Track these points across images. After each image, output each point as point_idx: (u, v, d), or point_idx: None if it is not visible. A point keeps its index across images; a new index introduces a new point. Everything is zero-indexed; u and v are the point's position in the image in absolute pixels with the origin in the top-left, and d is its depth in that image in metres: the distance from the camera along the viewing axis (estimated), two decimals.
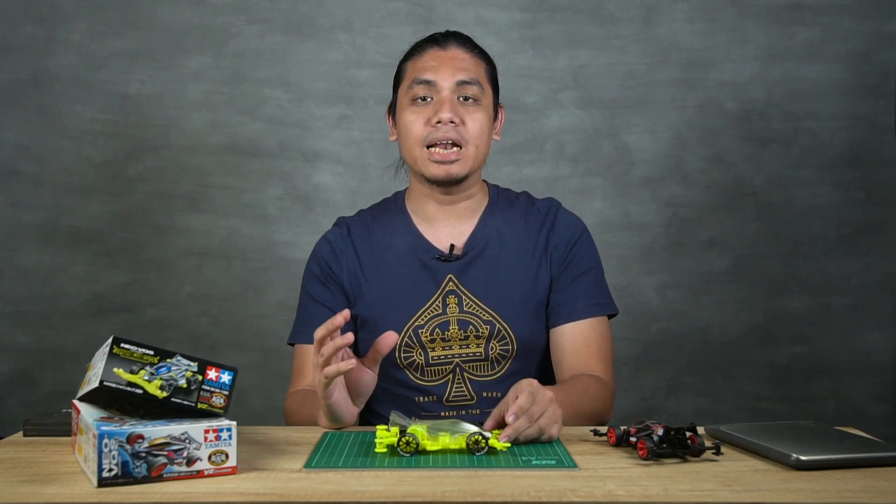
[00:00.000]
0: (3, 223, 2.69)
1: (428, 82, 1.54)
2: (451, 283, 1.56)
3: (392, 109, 1.63)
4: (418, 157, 1.55)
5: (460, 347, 1.54)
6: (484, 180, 1.67)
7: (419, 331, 1.54)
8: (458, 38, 1.60)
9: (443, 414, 1.54)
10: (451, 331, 1.54)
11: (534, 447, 1.23)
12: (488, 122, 1.57)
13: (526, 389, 1.25)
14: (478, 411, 1.55)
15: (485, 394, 1.55)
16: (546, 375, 1.61)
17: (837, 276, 2.73)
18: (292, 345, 1.64)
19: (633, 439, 1.20)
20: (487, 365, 1.55)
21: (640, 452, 1.16)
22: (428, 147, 1.54)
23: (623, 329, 2.64)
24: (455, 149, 1.53)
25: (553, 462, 1.14)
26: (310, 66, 2.72)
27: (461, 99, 1.54)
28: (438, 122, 1.52)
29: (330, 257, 1.62)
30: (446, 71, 1.54)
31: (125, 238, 2.70)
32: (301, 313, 1.64)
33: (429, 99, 1.54)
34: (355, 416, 1.38)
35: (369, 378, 1.37)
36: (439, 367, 1.55)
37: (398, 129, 1.60)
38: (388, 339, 1.32)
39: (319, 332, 1.28)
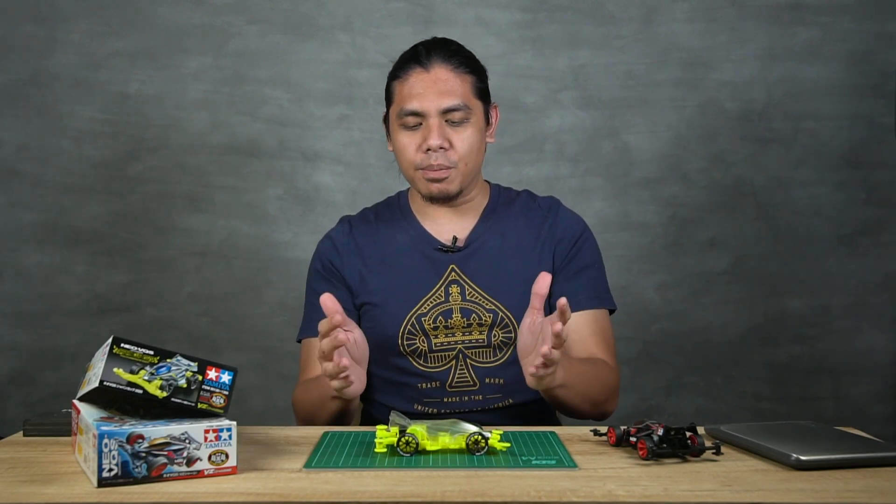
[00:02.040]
0: (3, 223, 2.69)
1: (415, 113, 1.56)
2: (453, 273, 1.59)
3: (387, 119, 1.65)
4: (413, 177, 1.60)
5: (463, 334, 1.56)
6: (486, 180, 1.70)
7: (422, 319, 1.56)
8: (441, 53, 1.59)
9: (445, 399, 1.56)
10: (454, 318, 1.56)
11: (534, 447, 1.23)
12: (479, 134, 1.59)
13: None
14: (480, 397, 1.56)
15: (487, 380, 1.57)
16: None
17: (837, 276, 2.73)
18: (300, 342, 1.67)
19: (633, 439, 1.20)
20: (490, 351, 1.57)
21: (640, 452, 1.16)
22: (421, 169, 1.58)
23: (623, 329, 2.64)
24: (445, 170, 1.56)
25: (553, 462, 1.14)
26: (310, 66, 2.72)
27: (449, 121, 1.56)
28: (428, 148, 1.55)
29: (332, 254, 1.65)
30: (431, 97, 1.55)
31: (125, 238, 2.70)
32: (307, 310, 1.66)
33: (417, 126, 1.57)
34: (360, 390, 1.40)
35: (361, 339, 1.40)
36: (442, 354, 1.57)
37: (393, 146, 1.63)
38: (328, 300, 1.31)
39: (322, 327, 1.30)
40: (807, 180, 2.73)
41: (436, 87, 1.56)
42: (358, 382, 1.37)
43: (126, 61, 2.70)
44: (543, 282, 1.31)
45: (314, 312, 1.62)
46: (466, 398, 1.56)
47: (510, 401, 1.56)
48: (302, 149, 2.73)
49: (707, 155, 2.74)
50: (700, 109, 2.73)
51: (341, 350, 1.30)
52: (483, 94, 1.62)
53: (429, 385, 1.57)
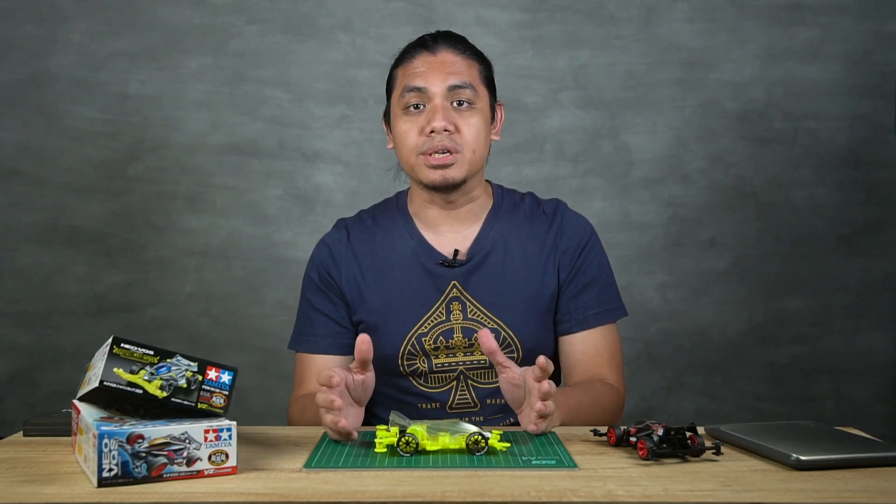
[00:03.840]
0: (3, 223, 2.69)
1: (419, 89, 1.50)
2: (454, 290, 1.54)
3: (387, 116, 1.60)
4: (415, 165, 1.52)
5: (464, 355, 1.53)
6: (488, 181, 1.64)
7: (422, 339, 1.53)
8: (449, 40, 1.55)
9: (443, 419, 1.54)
10: (456, 338, 1.53)
11: (534, 447, 1.23)
12: (484, 124, 1.53)
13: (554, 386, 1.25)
14: (481, 418, 1.54)
15: (489, 401, 1.54)
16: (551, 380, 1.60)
17: (837, 276, 2.73)
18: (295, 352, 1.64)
19: (633, 439, 1.20)
20: (492, 372, 1.53)
21: (640, 452, 1.15)
22: (423, 154, 1.50)
23: (623, 329, 2.59)
24: (451, 154, 1.49)
25: (553, 462, 1.14)
26: (310, 66, 2.72)
27: (454, 104, 1.50)
28: (432, 131, 1.48)
29: (329, 264, 1.59)
30: (437, 76, 1.50)
31: (125, 238, 2.70)
32: (302, 321, 1.62)
33: (421, 107, 1.51)
34: (357, 431, 1.35)
35: (369, 381, 1.33)
36: (443, 375, 1.54)
37: (394, 137, 1.56)
38: (364, 344, 1.26)
39: (322, 380, 1.24)
40: (807, 180, 2.73)
41: (442, 68, 1.51)
42: (355, 424, 1.30)
43: (126, 61, 2.70)
44: (487, 339, 1.26)
45: (309, 325, 1.59)
46: (467, 419, 1.52)
47: (511, 420, 1.52)
48: (302, 149, 2.73)
49: (707, 155, 2.74)
50: (700, 109, 2.73)
51: (341, 414, 1.23)
52: (489, 83, 1.57)
53: (429, 405, 1.55)
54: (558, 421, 1.33)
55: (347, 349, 1.58)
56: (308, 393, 1.54)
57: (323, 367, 1.55)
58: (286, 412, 1.62)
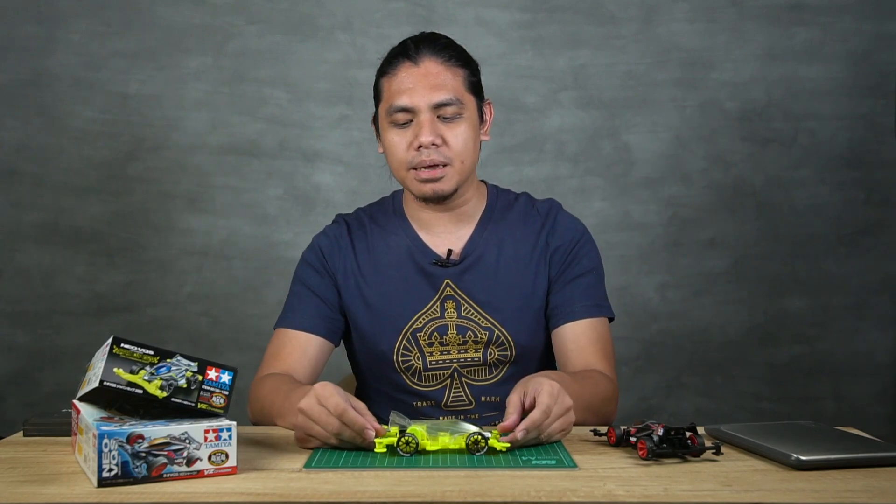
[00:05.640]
0: (3, 223, 2.69)
1: (405, 109, 1.50)
2: (448, 288, 1.55)
3: (376, 120, 1.60)
4: (405, 178, 1.53)
5: (458, 352, 1.54)
6: (483, 181, 1.65)
7: (417, 333, 1.54)
8: (431, 47, 1.53)
9: (441, 418, 1.53)
10: (450, 335, 1.53)
11: (534, 447, 1.22)
12: (472, 131, 1.52)
13: (545, 402, 1.20)
14: (476, 416, 1.54)
15: (483, 398, 1.55)
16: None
17: (837, 276, 2.73)
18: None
19: (633, 439, 1.20)
20: (485, 370, 1.54)
21: (640, 452, 1.15)
22: (413, 168, 1.51)
23: (623, 329, 2.64)
24: (440, 167, 1.50)
25: (553, 462, 1.14)
26: (310, 66, 2.72)
27: (441, 116, 1.50)
28: (420, 145, 1.48)
29: (328, 250, 1.61)
30: (421, 92, 1.49)
31: (125, 238, 2.70)
32: (290, 300, 1.61)
33: (408, 123, 1.50)
34: None
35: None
36: (437, 372, 1.54)
37: (383, 146, 1.57)
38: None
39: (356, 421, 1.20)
40: (807, 180, 2.73)
41: (426, 81, 1.49)
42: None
43: (126, 61, 2.70)
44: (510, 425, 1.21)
45: (298, 302, 1.59)
46: (462, 417, 1.53)
47: None
48: (302, 149, 2.73)
49: (707, 155, 2.74)
50: (700, 109, 2.73)
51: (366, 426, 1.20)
52: (476, 88, 1.55)
53: (424, 404, 1.55)
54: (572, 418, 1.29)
55: (332, 335, 1.57)
56: (281, 373, 1.51)
57: (305, 345, 1.54)
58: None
